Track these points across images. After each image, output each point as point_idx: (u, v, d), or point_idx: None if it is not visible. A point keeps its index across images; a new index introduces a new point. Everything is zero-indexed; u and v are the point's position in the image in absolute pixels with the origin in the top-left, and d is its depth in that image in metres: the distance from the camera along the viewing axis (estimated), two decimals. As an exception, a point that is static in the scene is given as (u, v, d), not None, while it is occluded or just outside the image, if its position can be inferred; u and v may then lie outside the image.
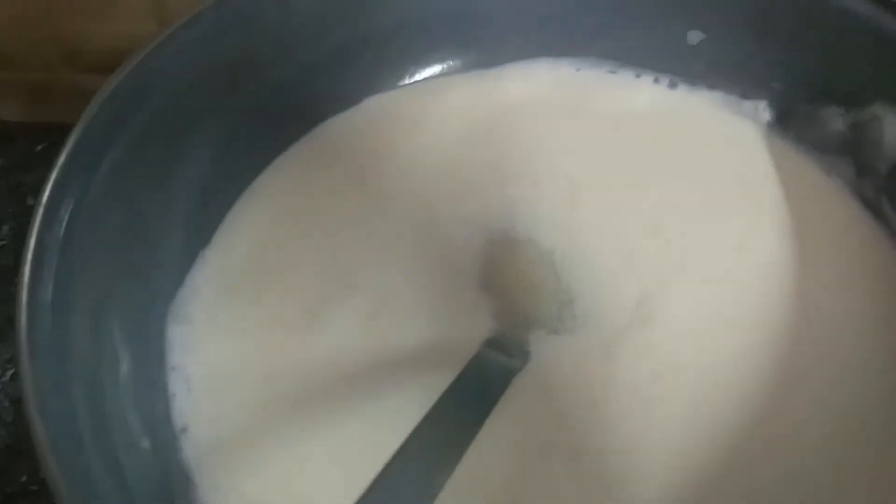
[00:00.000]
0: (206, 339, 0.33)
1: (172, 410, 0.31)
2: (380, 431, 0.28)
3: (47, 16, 0.44)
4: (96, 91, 0.31)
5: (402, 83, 0.41)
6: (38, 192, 0.28)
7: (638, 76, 0.41)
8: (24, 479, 0.34)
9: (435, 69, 0.41)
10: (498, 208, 0.37)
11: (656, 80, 0.41)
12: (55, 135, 0.30)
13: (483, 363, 0.30)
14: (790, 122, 0.39)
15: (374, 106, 0.40)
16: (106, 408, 0.28)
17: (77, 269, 0.29)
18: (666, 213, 0.37)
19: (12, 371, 0.37)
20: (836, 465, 0.31)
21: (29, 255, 0.27)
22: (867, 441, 0.31)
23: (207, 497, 0.30)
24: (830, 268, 0.35)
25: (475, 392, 0.29)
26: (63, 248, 0.28)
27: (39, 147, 0.43)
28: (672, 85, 0.41)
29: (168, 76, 0.33)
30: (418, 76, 0.41)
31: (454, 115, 0.40)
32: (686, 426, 0.32)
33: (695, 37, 0.40)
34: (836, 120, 0.38)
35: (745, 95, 0.40)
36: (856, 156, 0.37)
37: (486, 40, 0.41)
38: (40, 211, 0.28)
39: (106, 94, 0.31)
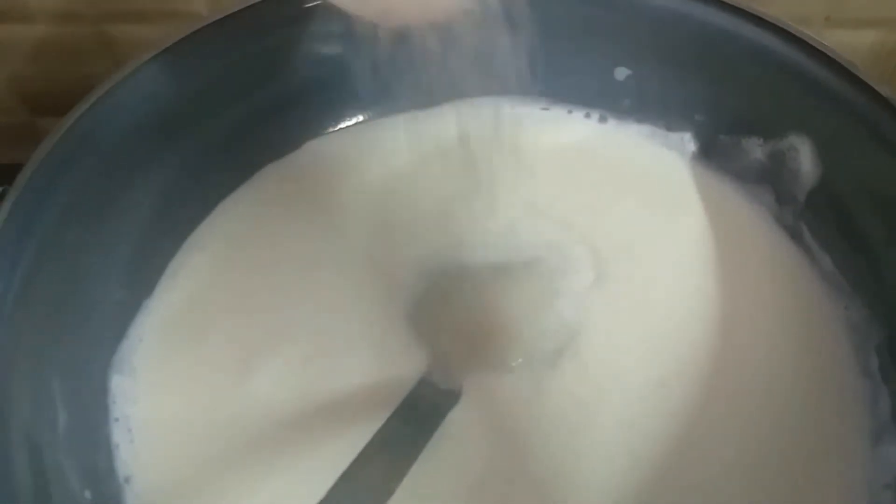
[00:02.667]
0: (149, 390, 0.34)
1: (116, 461, 0.32)
2: (320, 474, 0.29)
3: (3, 58, 0.45)
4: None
5: (340, 126, 0.42)
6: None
7: (570, 112, 0.43)
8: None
9: (371, 111, 0.42)
10: (436, 248, 0.38)
11: (587, 115, 0.43)
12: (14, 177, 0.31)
13: (415, 401, 0.32)
14: (713, 153, 0.41)
15: (314, 150, 0.41)
16: (45, 464, 0.29)
17: (14, 328, 0.30)
18: (596, 242, 0.38)
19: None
20: (755, 485, 0.32)
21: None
22: (782, 460, 0.32)
23: (151, 546, 0.31)
24: (752, 293, 0.37)
25: (407, 430, 0.30)
26: (1, 302, 0.29)
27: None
28: (602, 119, 0.42)
29: (106, 130, 0.34)
30: (356, 119, 0.42)
31: (392, 155, 0.41)
32: (613, 452, 0.33)
33: (621, 73, 0.41)
34: (755, 150, 0.39)
35: (670, 128, 0.41)
36: (775, 184, 0.39)
37: (419, 83, 0.42)
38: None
39: (42, 153, 0.32)
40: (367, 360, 0.34)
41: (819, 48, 0.36)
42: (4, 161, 0.39)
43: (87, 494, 0.30)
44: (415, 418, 0.31)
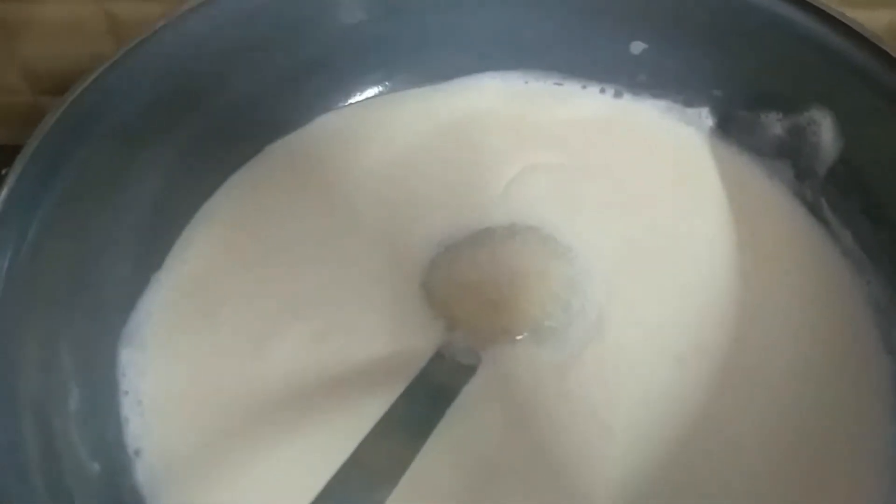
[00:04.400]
0: (158, 363, 0.33)
1: (125, 434, 0.32)
2: (331, 450, 0.28)
3: (5, 39, 0.45)
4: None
5: (351, 101, 0.42)
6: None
7: (584, 87, 0.42)
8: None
9: (384, 85, 0.42)
10: (448, 223, 0.37)
11: (602, 91, 0.42)
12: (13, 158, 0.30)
13: (430, 375, 0.31)
14: (732, 128, 0.40)
15: (325, 125, 0.41)
16: (54, 435, 0.29)
17: (24, 297, 0.29)
18: (614, 220, 0.38)
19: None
20: (775, 462, 0.31)
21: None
22: (803, 437, 0.32)
23: (160, 519, 0.30)
24: (773, 269, 0.36)
25: (423, 403, 0.30)
26: (10, 276, 0.29)
27: (4, 171, 0.43)
28: (617, 95, 0.42)
29: (117, 100, 0.34)
30: (368, 93, 0.42)
31: (404, 131, 0.40)
32: (636, 431, 0.32)
33: (637, 47, 0.41)
34: (774, 125, 0.38)
35: (687, 103, 0.41)
36: (795, 159, 0.38)
37: (434, 56, 0.42)
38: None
39: (49, 125, 0.31)
40: (382, 333, 0.34)
41: (842, 20, 0.35)
42: (9, 142, 0.38)
43: (97, 467, 0.30)
44: (430, 392, 0.31)
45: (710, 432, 0.32)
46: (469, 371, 0.32)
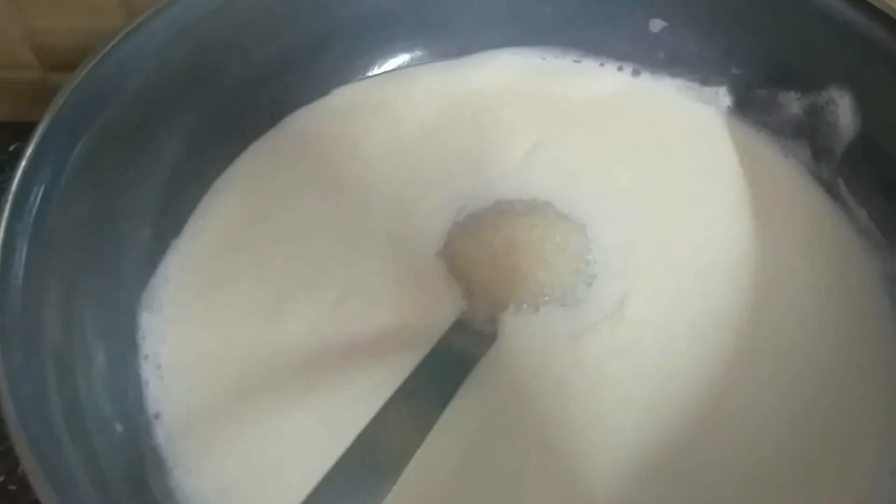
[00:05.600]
0: (177, 328, 0.33)
1: (145, 397, 0.32)
2: (348, 414, 0.28)
3: (16, 13, 0.44)
4: (69, 89, 0.31)
5: (370, 73, 0.42)
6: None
7: (602, 65, 0.42)
8: (1, 479, 0.35)
9: (403, 59, 0.42)
10: (466, 195, 0.37)
11: (620, 69, 0.42)
12: (27, 135, 0.30)
13: (450, 343, 0.31)
14: (749, 107, 0.40)
15: (343, 96, 0.41)
16: (78, 392, 0.29)
17: (47, 257, 0.29)
18: (631, 197, 0.38)
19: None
20: (788, 433, 0.32)
21: (-2, 242, 0.28)
22: (817, 412, 0.32)
23: (181, 479, 0.30)
24: (789, 248, 0.36)
25: (442, 372, 0.30)
26: (33, 236, 0.29)
27: (12, 147, 0.43)
28: (635, 73, 0.42)
29: (135, 68, 0.34)
30: (386, 66, 0.42)
31: (422, 105, 0.40)
32: (650, 402, 0.32)
33: (656, 25, 0.41)
34: (792, 104, 0.39)
35: (705, 82, 0.41)
36: (812, 138, 0.38)
37: (453, 30, 0.42)
38: (10, 198, 0.28)
39: (74, 85, 0.31)
40: (398, 301, 0.34)
41: (863, -2, 0.35)
42: (21, 118, 0.38)
43: (119, 428, 0.30)
44: (449, 360, 0.31)
45: (724, 405, 0.32)
46: (489, 339, 0.32)
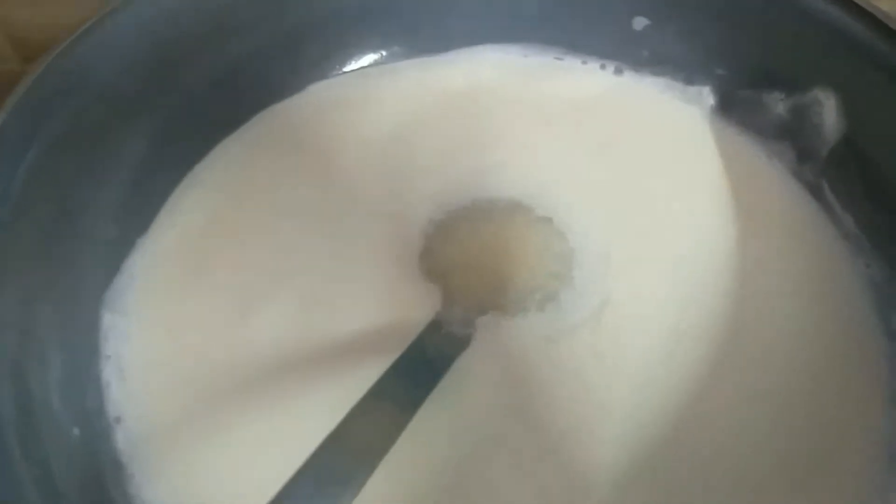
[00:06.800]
0: (141, 329, 0.32)
1: (106, 400, 0.31)
2: (317, 420, 0.27)
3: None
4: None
5: (346, 69, 0.41)
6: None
7: (584, 62, 0.41)
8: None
9: (380, 55, 0.41)
10: (444, 195, 0.36)
11: (602, 67, 0.41)
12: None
13: (423, 345, 0.30)
14: (733, 108, 0.39)
15: (319, 92, 0.40)
16: (33, 398, 0.28)
17: (2, 258, 0.28)
18: (612, 197, 0.37)
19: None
20: (770, 441, 0.31)
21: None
22: (799, 418, 0.31)
23: (141, 486, 0.29)
24: (772, 251, 0.35)
25: (414, 374, 0.29)
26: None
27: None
28: (618, 71, 0.41)
29: (99, 63, 0.33)
30: (363, 62, 0.41)
31: (400, 102, 0.40)
32: (630, 408, 0.31)
33: (639, 23, 0.40)
34: (777, 105, 0.38)
35: (689, 81, 0.40)
36: (796, 140, 0.38)
37: (432, 26, 0.41)
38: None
39: (30, 82, 0.30)
40: (374, 303, 0.33)
41: (849, -1, 0.34)
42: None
43: (76, 432, 0.29)
44: (422, 363, 0.30)
45: (705, 411, 0.31)
46: (463, 343, 0.31)
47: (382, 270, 0.34)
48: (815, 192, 0.37)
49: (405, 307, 0.33)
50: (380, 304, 0.33)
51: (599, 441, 0.31)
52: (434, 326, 0.31)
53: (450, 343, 0.31)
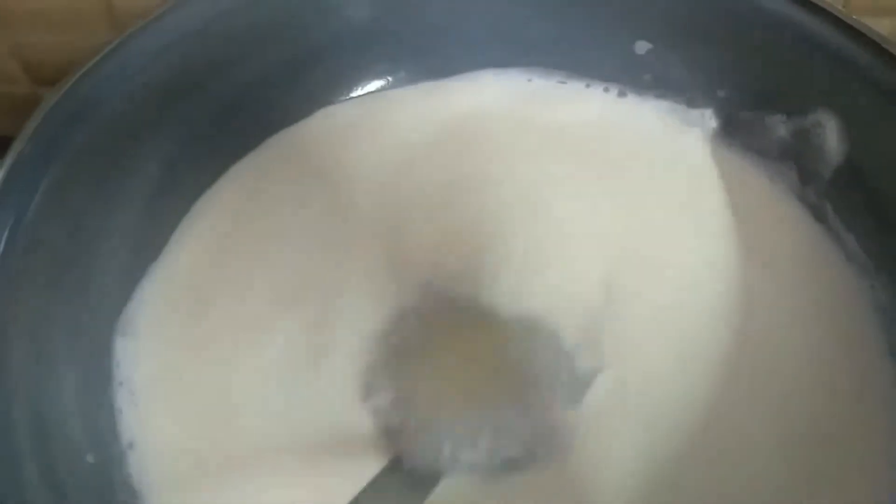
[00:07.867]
0: (153, 354, 0.33)
1: (119, 426, 0.31)
2: (329, 442, 0.28)
3: (4, 28, 0.44)
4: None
5: (353, 94, 0.41)
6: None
7: (588, 86, 0.42)
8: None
9: (386, 80, 0.41)
10: (449, 218, 0.37)
11: (606, 90, 0.41)
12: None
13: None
14: (735, 130, 0.40)
15: (326, 117, 0.40)
16: (48, 422, 0.28)
17: (16, 285, 0.29)
18: (614, 219, 0.37)
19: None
20: (778, 464, 0.31)
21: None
22: (807, 441, 0.31)
23: (155, 512, 0.30)
24: (775, 273, 0.36)
25: None
26: (2, 263, 0.28)
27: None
28: (621, 94, 0.41)
29: (114, 88, 0.33)
30: (370, 87, 0.41)
31: (406, 127, 0.40)
32: (639, 439, 0.31)
33: (642, 47, 0.40)
34: (779, 127, 0.38)
35: (691, 104, 0.40)
36: (799, 162, 0.38)
37: (436, 51, 0.41)
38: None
39: (46, 110, 0.31)
40: (379, 328, 0.33)
41: (849, 22, 0.35)
42: (8, 133, 0.37)
43: (90, 458, 0.29)
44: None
45: (712, 437, 0.31)
46: (430, 482, 0.29)
47: (387, 297, 0.34)
48: (819, 214, 0.37)
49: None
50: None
51: (607, 466, 0.31)
52: (395, 463, 0.29)
53: (414, 484, 0.28)
